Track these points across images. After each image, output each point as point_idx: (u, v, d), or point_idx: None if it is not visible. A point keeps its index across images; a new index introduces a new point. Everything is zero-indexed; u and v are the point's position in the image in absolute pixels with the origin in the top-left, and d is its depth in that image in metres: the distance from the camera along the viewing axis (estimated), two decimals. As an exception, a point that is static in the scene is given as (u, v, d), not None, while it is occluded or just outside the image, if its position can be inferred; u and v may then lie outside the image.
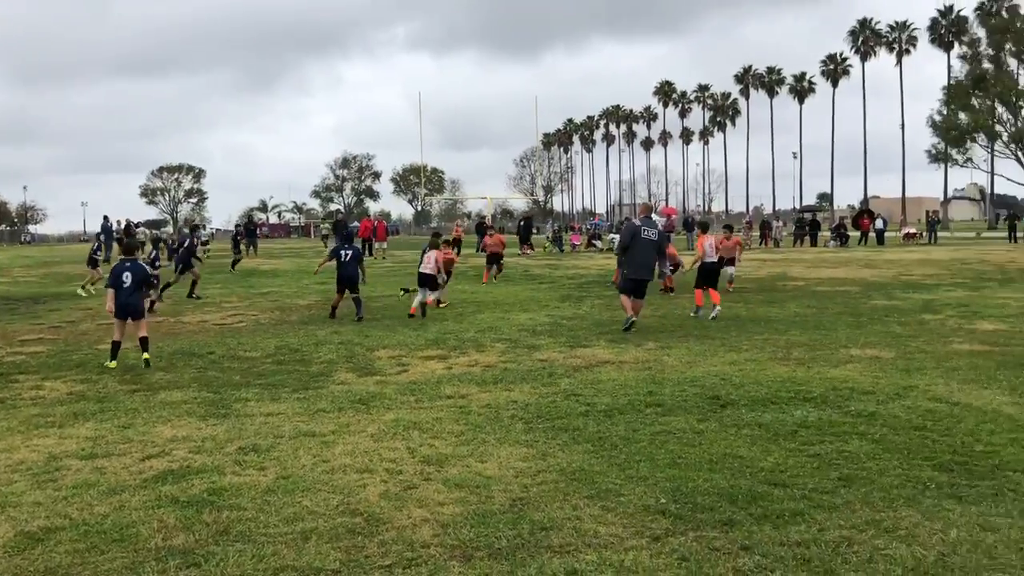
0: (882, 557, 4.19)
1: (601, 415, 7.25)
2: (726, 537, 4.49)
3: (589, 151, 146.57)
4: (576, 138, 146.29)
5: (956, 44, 75.77)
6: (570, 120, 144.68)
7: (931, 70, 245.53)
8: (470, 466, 5.84)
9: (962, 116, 58.95)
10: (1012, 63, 58.14)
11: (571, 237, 49.31)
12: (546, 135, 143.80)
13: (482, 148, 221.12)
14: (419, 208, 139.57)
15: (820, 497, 5.06)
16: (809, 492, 5.15)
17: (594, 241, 46.20)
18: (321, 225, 63.40)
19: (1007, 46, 57.44)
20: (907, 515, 4.74)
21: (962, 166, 62.21)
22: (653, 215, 14.00)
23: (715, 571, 4.09)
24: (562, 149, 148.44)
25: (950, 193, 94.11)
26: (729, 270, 18.42)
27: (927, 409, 7.17)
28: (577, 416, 7.22)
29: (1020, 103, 57.56)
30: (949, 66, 76.96)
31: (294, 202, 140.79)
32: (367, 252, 32.69)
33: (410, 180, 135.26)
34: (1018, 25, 57.62)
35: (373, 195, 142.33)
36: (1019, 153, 57.90)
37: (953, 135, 58.87)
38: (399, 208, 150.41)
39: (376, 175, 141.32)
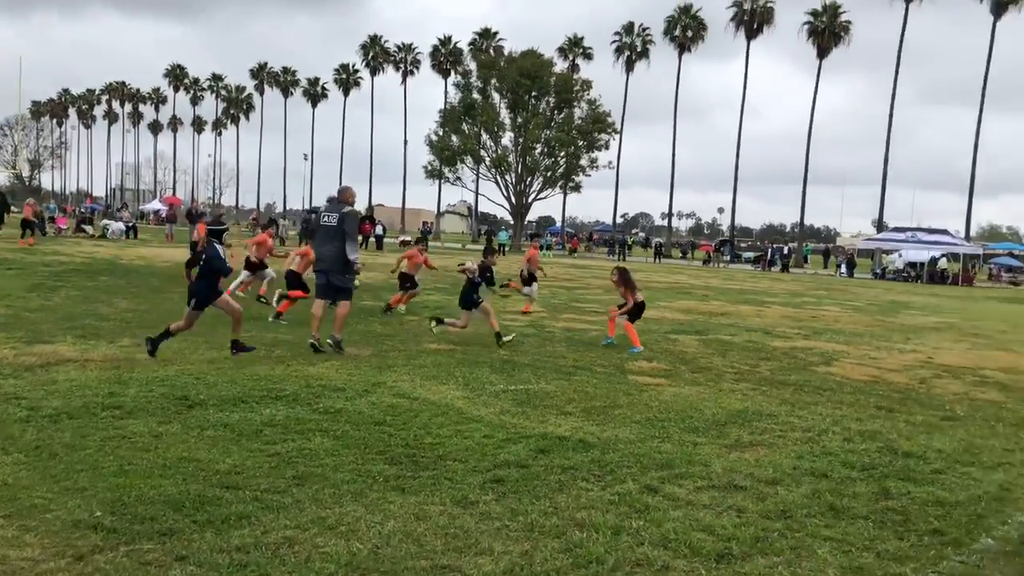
0: (320, 555, 4.21)
1: (46, 420, 6.40)
2: (162, 548, 4.17)
3: (88, 127, 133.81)
4: (73, 111, 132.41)
5: (452, 72, 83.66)
6: (66, 91, 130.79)
7: (432, 92, 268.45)
8: None
9: (454, 138, 65.12)
10: (496, 97, 65.72)
11: (58, 220, 44.28)
12: (35, 103, 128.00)
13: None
14: None
15: (271, 497, 4.97)
16: (262, 493, 5.04)
17: (84, 226, 42.03)
18: None
19: (492, 81, 64.81)
20: (352, 510, 4.86)
21: (453, 184, 68.71)
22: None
23: (141, 589, 3.75)
24: (55, 121, 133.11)
25: (443, 207, 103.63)
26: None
27: (390, 404, 7.56)
28: (14, 423, 6.29)
29: (500, 133, 65.38)
30: (446, 91, 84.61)
31: None
32: None
33: None
34: (502, 64, 65.37)
35: None
36: (498, 177, 65.68)
37: (446, 155, 64.74)
38: None
39: None
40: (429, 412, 7.37)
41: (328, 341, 10.33)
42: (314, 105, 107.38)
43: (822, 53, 69.90)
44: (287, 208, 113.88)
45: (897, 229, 57.87)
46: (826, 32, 69.42)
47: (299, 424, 6.70)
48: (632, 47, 79.90)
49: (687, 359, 11.46)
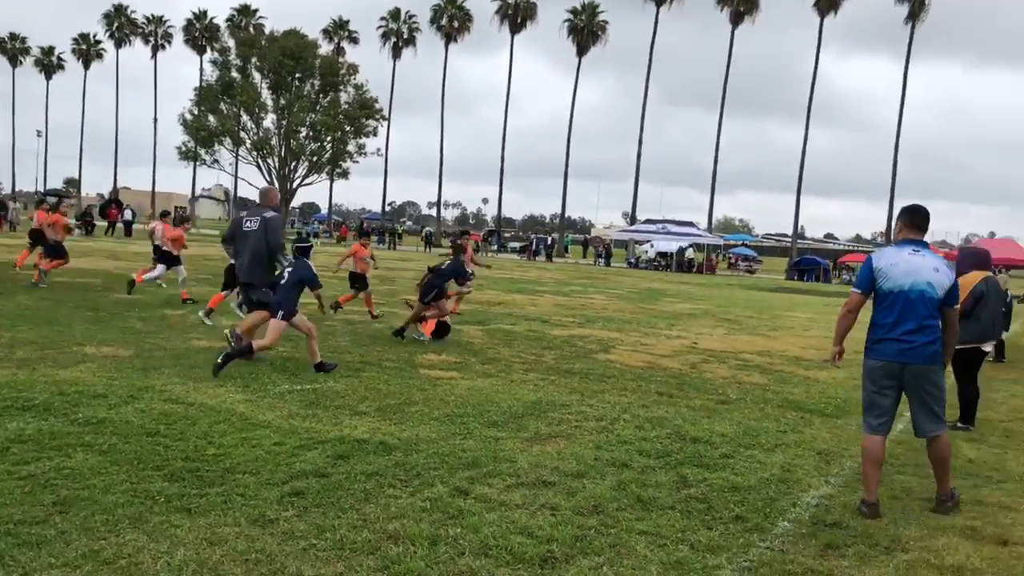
0: (98, 598, 3.59)
1: None
2: None
3: None
4: None
5: (209, 49, 79.10)
6: None
7: (186, 70, 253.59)
8: None
9: (211, 118, 61.49)
10: (257, 76, 62.81)
11: None
12: None
13: None
14: None
15: (28, 530, 4.23)
16: (15, 525, 4.28)
17: None
18: None
19: (253, 60, 61.85)
20: (131, 539, 4.22)
21: (210, 166, 64.85)
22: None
23: None
24: None
25: (198, 191, 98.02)
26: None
27: (162, 412, 6.80)
28: None
29: (262, 114, 62.54)
30: (201, 68, 79.94)
31: None
32: None
33: None
34: (263, 43, 62.56)
35: None
36: (260, 160, 62.88)
37: (202, 135, 60.90)
38: None
39: None
40: (208, 419, 6.71)
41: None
42: (48, 77, 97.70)
43: (581, 51, 72.94)
44: (16, 190, 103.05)
45: (649, 221, 61.80)
46: (585, 30, 72.47)
47: (55, 439, 5.84)
48: (399, 34, 79.36)
49: (475, 350, 11.37)
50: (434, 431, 6.80)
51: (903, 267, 5.59)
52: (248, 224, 9.67)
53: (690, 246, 56.90)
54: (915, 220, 5.76)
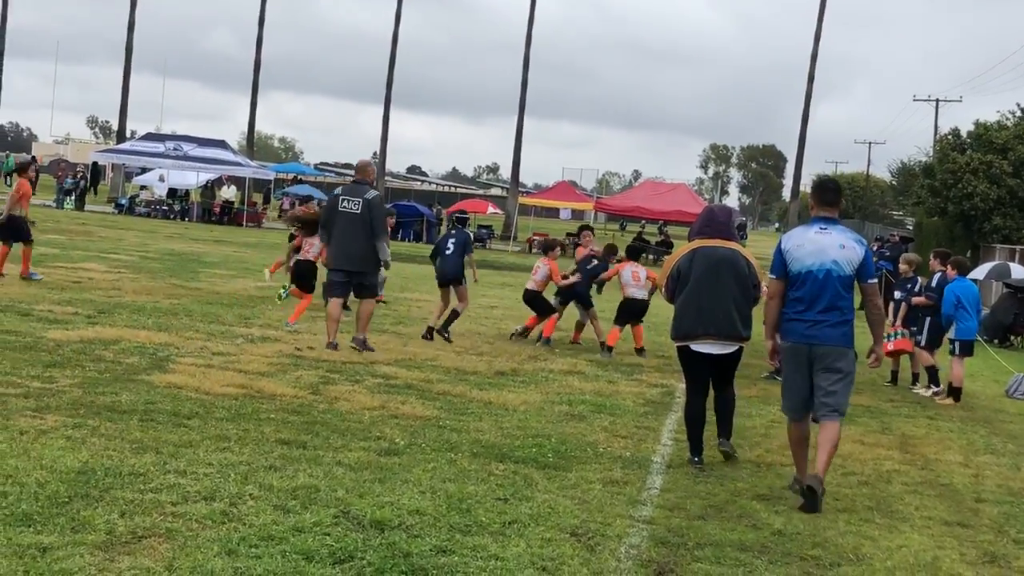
0: None
1: None
2: None
3: None
4: None
5: None
6: None
7: None
8: None
9: None
10: None
11: None
12: None
13: None
14: None
15: None
16: None
17: None
18: None
19: None
20: None
21: None
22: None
23: None
24: None
25: None
26: None
27: None
28: None
29: None
30: None
31: None
32: None
33: None
34: None
35: None
36: None
37: None
38: None
39: None
40: None
41: (352, 345, 13.92)
42: None
43: None
44: None
45: (151, 136, 59.81)
46: None
47: None
48: None
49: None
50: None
51: (809, 247, 8.39)
52: (346, 204, 13.78)
53: (221, 180, 56.41)
54: (824, 196, 8.61)
